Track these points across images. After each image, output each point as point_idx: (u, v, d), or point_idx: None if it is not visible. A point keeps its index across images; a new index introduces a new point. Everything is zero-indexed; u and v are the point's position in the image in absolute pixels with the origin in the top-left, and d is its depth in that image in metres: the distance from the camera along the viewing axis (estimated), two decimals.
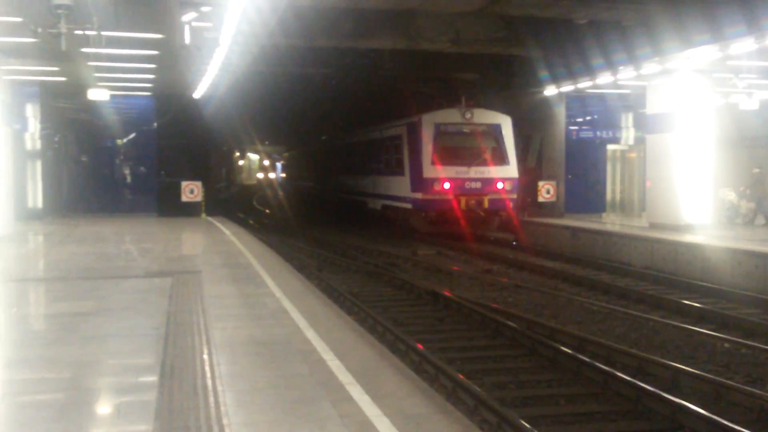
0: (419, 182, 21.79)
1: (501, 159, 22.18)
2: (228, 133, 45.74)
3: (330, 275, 15.81)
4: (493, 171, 21.94)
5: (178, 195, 23.89)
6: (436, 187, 21.54)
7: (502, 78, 25.28)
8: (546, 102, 24.57)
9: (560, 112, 24.96)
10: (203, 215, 24.43)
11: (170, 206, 24.54)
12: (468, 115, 22.07)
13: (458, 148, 22.01)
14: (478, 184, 21.81)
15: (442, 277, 15.81)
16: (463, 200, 21.47)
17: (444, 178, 21.52)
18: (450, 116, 22.30)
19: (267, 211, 39.98)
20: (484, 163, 21.92)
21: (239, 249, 15.25)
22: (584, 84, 21.30)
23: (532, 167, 25.32)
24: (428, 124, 22.05)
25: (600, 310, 12.32)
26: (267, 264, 12.79)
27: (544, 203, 24.23)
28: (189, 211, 24.21)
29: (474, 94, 25.96)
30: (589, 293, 14.15)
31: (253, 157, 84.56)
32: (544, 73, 22.26)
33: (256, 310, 8.64)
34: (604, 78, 20.00)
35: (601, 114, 26.96)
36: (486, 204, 21.72)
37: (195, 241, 17.93)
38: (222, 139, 46.15)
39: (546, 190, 24.22)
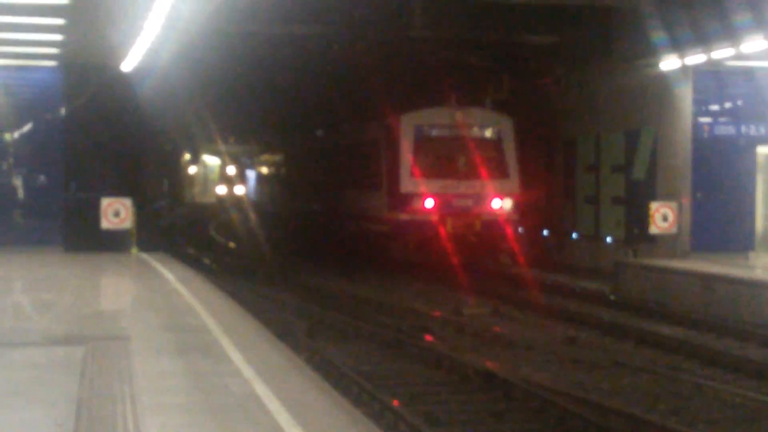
0: (396, 198, 25.11)
1: (500, 170, 25.55)
2: (174, 126, 45.98)
3: (328, 345, 16.13)
4: (489, 185, 25.14)
5: (97, 219, 23.86)
6: (416, 205, 24.82)
7: (594, 43, 25.74)
8: (662, 80, 24.68)
9: (684, 96, 24.87)
10: (134, 250, 24.71)
11: (84, 236, 24.71)
12: (459, 115, 25.20)
13: (446, 157, 25.55)
14: (469, 202, 25.09)
15: (499, 350, 16.14)
16: (449, 222, 24.53)
17: (426, 193, 24.62)
18: (436, 116, 25.66)
19: (232, 244, 40.19)
20: (477, 175, 25.21)
21: (189, 303, 15.58)
22: (722, 53, 21.47)
23: (641, 179, 25.73)
24: (408, 125, 25.19)
25: (748, 405, 12.33)
26: (232, 326, 13.17)
27: (659, 235, 24.11)
28: (112, 243, 24.37)
29: (548, 67, 26.99)
30: (729, 377, 14.17)
31: (212, 161, 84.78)
32: (659, 36, 22.54)
33: (213, 397, 8.80)
34: (754, 43, 20.03)
35: (749, 100, 26.94)
36: (477, 226, 24.74)
37: (121, 289, 18.25)
38: (165, 135, 46.34)
39: (662, 216, 24.03)
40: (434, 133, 25.30)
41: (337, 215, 31.39)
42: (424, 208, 24.39)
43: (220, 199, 74.47)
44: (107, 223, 23.96)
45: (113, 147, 25.51)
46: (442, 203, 24.50)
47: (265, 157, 54.01)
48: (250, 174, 66.63)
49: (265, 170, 54.48)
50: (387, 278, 25.99)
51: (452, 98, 25.30)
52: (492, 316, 20.09)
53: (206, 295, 17.03)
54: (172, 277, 19.76)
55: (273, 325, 16.04)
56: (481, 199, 24.96)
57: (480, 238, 24.76)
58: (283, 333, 15.69)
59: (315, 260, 30.83)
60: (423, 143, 25.04)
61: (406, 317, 19.51)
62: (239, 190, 70.04)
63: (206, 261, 31.66)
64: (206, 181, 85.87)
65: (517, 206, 25.44)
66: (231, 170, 74.64)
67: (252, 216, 49.80)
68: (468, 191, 25.00)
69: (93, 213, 24.03)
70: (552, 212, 29.93)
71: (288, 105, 43.86)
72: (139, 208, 24.87)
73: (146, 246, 25.36)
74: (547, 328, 18.59)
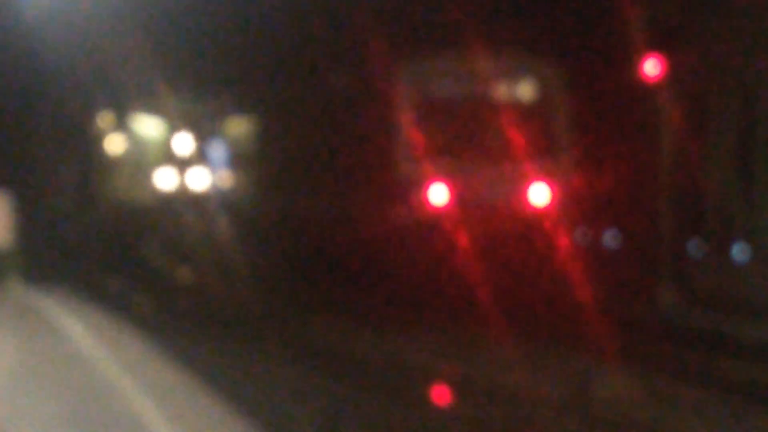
0: (389, 188, 22.53)
1: (543, 143, 21.82)
2: (85, 69, 39.21)
3: None
4: (523, 168, 21.53)
5: None
6: (418, 197, 22.10)
7: None
8: None
9: None
10: (11, 284, 21.17)
11: None
12: (479, 62, 21.87)
13: (460, 122, 22.48)
14: (494, 192, 21.84)
15: None
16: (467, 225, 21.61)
17: (435, 177, 21.76)
18: (446, 64, 22.75)
19: (184, 273, 34.32)
20: (504, 151, 21.79)
21: (111, 379, 13.08)
22: None
23: None
24: (407, 75, 22.67)
25: None
26: (188, 423, 11.03)
27: None
28: None
29: None
30: None
31: (151, 130, 66.04)
32: None
33: None
34: None
35: None
36: (499, 234, 21.44)
37: None
38: (69, 85, 39.64)
39: None
40: (444, 88, 22.46)
41: (326, 221, 28.94)
42: (433, 201, 21.73)
43: (165, 195, 59.80)
44: None
45: None
46: (461, 195, 21.48)
47: (247, 119, 47.59)
48: (218, 150, 55.35)
49: (246, 142, 47.67)
50: (452, 324, 21.71)
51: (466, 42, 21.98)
52: (641, 397, 15.97)
53: (141, 365, 14.52)
54: (80, 330, 16.71)
55: (263, 417, 12.89)
56: (510, 187, 21.76)
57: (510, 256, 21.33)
58: (274, 426, 13.04)
59: (330, 298, 26.34)
60: (429, 103, 22.25)
61: (493, 402, 15.43)
62: (198, 178, 57.97)
63: (141, 302, 26.03)
64: (141, 164, 66.53)
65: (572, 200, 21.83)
66: (183, 144, 64.36)
67: (221, 224, 42.79)
68: (491, 176, 21.82)
69: None
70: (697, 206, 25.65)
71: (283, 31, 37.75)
72: (27, 212, 22.14)
73: (36, 277, 22.18)
74: (741, 417, 14.77)
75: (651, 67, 23.62)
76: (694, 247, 25.51)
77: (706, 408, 15.57)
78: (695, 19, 24.85)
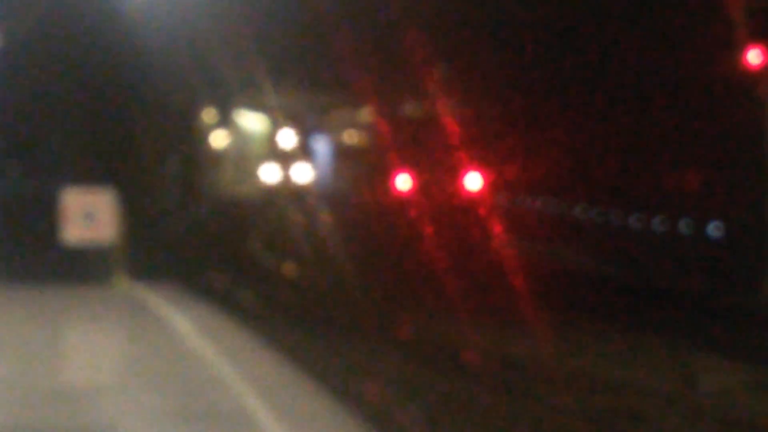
0: None
1: None
2: (189, 67, 40.03)
3: None
4: None
5: (54, 227, 20.16)
6: None
7: None
8: None
9: None
10: (118, 278, 20.93)
11: (31, 255, 21.59)
12: None
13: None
14: None
15: None
16: None
17: None
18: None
19: (289, 268, 34.40)
20: None
21: (216, 373, 13.15)
22: None
23: None
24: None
25: None
26: (293, 413, 11.23)
27: None
28: (82, 268, 20.71)
29: None
30: None
31: (254, 125, 68.07)
32: None
33: None
34: None
35: None
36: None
37: (98, 349, 15.46)
38: (176, 82, 39.30)
39: None
40: None
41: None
42: None
43: (269, 190, 61.54)
44: (73, 233, 20.04)
45: (83, 104, 22.35)
46: None
47: (354, 113, 48.25)
48: (321, 144, 56.96)
49: (350, 138, 47.70)
50: (556, 318, 20.94)
51: None
52: (747, 389, 15.75)
53: (247, 359, 14.51)
54: (188, 326, 16.61)
55: (364, 408, 13.39)
56: None
57: None
58: (382, 419, 13.17)
59: (434, 291, 25.51)
60: None
61: (598, 394, 15.44)
62: (302, 172, 59.27)
63: (245, 298, 25.96)
64: (244, 159, 69.98)
65: None
66: (287, 139, 68.58)
67: (325, 218, 43.09)
68: None
69: (47, 216, 20.51)
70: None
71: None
72: (132, 207, 21.60)
73: (142, 272, 21.73)
74: None
75: (754, 57, 23.48)
76: None
77: None
78: None
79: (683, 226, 27.45)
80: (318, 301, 26.35)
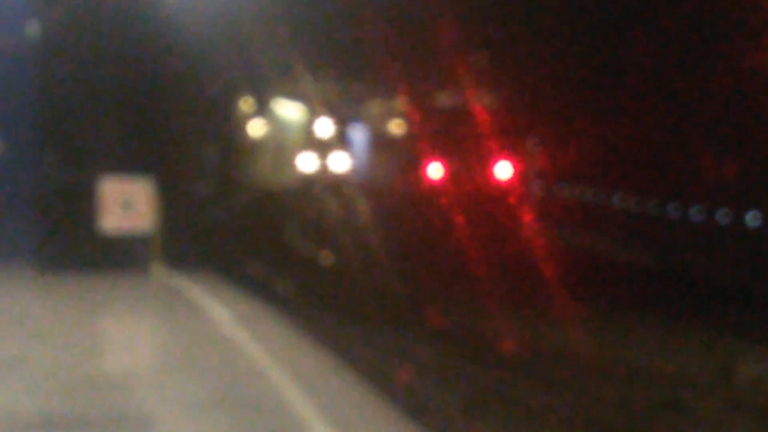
0: None
1: None
2: (228, 53, 40.01)
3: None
4: None
5: (92, 215, 19.91)
6: None
7: None
8: None
9: None
10: (155, 267, 20.81)
11: (71, 243, 20.75)
12: None
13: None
14: None
15: None
16: None
17: None
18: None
19: (326, 257, 33.95)
20: None
21: (253, 361, 13.16)
22: None
23: None
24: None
25: None
26: (331, 401, 11.11)
27: None
28: (121, 256, 20.55)
29: None
30: None
31: (292, 114, 67.31)
32: None
33: None
34: None
35: None
36: None
37: (136, 337, 15.67)
38: (212, 71, 40.39)
39: None
40: None
41: None
42: None
43: (305, 179, 61.24)
44: (111, 222, 19.98)
45: (121, 93, 21.54)
46: None
47: (390, 103, 48.43)
48: (359, 133, 55.41)
49: (387, 127, 47.80)
50: (594, 309, 20.71)
51: None
52: None
53: (284, 347, 14.42)
54: (226, 314, 16.52)
55: (402, 396, 13.24)
56: None
57: None
58: (420, 410, 12.80)
59: (471, 281, 25.18)
60: None
61: (636, 384, 15.18)
62: (339, 161, 58.00)
63: (282, 287, 25.74)
64: (281, 148, 68.95)
65: None
66: (325, 128, 63.03)
67: (361, 206, 43.07)
68: None
69: (85, 204, 19.89)
70: None
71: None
72: (169, 197, 21.22)
73: (179, 261, 21.44)
74: None
75: None
76: None
77: None
78: None
79: (721, 215, 27.31)
80: (354, 289, 26.16)
